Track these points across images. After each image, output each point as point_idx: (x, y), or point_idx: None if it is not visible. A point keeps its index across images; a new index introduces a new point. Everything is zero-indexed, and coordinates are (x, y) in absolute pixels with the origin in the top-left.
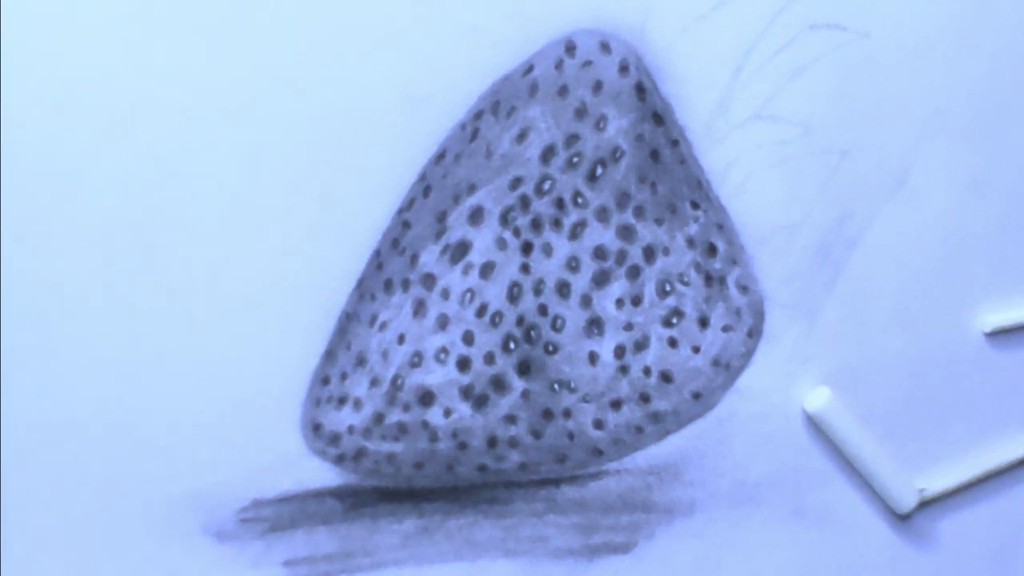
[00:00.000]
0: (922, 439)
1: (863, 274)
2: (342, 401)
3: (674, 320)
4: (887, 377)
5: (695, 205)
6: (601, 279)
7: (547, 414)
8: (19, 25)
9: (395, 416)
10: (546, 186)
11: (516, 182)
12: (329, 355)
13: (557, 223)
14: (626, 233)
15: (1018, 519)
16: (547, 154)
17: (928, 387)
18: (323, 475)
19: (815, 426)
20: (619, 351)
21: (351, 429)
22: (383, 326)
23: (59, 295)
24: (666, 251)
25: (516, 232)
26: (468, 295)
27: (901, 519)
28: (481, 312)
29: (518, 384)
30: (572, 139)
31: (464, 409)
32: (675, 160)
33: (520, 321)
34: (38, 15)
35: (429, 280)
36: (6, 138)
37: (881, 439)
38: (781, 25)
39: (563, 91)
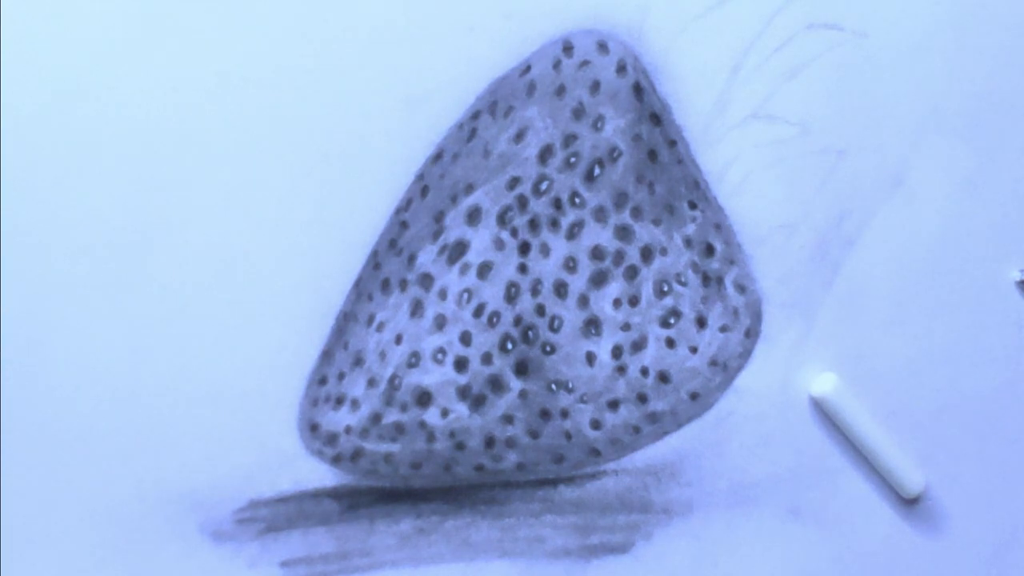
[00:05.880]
0: (921, 437)
1: (861, 273)
2: (339, 401)
3: (672, 320)
4: (886, 376)
5: (693, 205)
6: (599, 279)
7: (545, 414)
8: (19, 25)
9: (392, 416)
10: (544, 186)
11: (514, 182)
12: (326, 355)
13: (555, 223)
14: (624, 233)
15: (1013, 521)
16: (544, 154)
17: (926, 384)
18: (320, 475)
19: (819, 413)
20: (616, 351)
21: (348, 429)
22: (380, 326)
23: (58, 295)
24: (664, 251)
25: (514, 232)
26: (465, 295)
27: (899, 514)
28: (479, 312)
29: (515, 384)
30: (570, 139)
31: (461, 409)
32: (673, 160)
33: (518, 321)
34: (38, 15)
35: (426, 280)
36: (6, 138)
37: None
38: (779, 25)
39: (561, 91)
